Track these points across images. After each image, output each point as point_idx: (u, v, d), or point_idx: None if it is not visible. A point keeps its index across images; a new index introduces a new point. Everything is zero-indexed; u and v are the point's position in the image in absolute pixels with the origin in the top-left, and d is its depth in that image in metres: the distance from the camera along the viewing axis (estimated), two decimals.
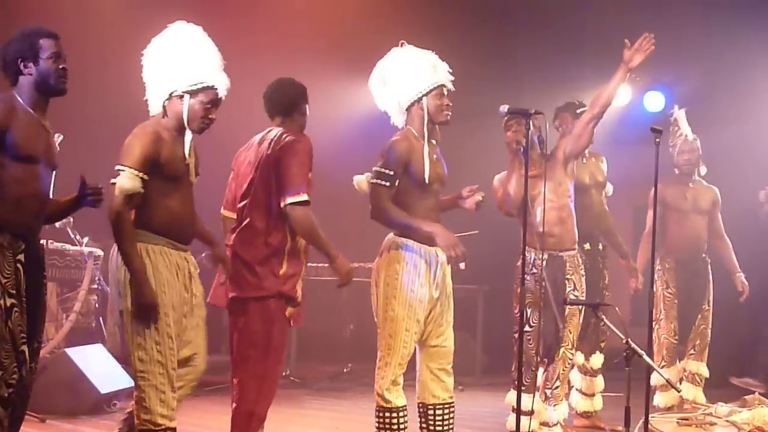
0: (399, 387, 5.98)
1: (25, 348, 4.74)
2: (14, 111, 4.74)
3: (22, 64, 4.79)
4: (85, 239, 9.17)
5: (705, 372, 8.17)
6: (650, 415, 6.26)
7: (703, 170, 8.26)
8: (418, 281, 5.91)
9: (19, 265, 4.73)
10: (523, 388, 6.32)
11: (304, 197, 5.48)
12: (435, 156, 6.01)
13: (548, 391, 6.74)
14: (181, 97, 5.12)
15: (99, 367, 8.01)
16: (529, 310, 6.48)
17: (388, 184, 5.88)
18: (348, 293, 10.43)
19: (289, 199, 5.47)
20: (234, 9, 10.31)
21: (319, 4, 11.24)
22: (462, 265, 5.97)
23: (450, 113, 6.01)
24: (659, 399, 7.94)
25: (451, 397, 6.14)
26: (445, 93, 6.00)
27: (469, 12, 11.24)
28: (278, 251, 5.61)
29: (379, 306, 6.02)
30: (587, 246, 7.66)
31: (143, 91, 5.18)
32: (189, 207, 5.22)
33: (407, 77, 5.98)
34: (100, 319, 9.28)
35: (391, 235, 6.04)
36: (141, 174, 4.94)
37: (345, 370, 10.39)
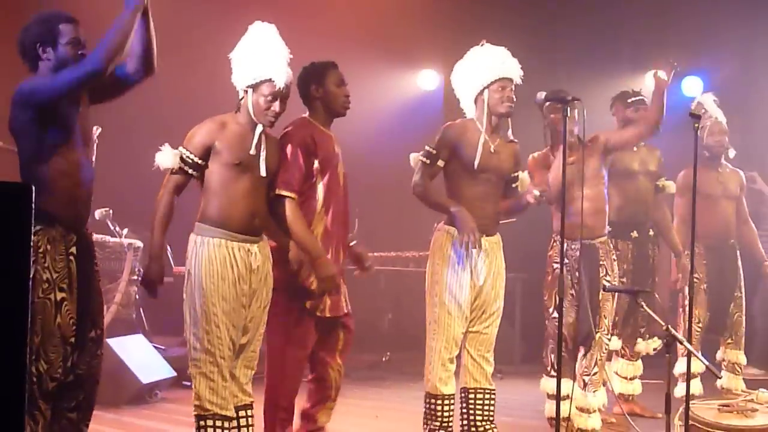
0: (448, 375, 6.11)
1: (73, 341, 4.76)
2: None
3: (40, 48, 4.75)
4: (125, 231, 9.23)
5: (743, 360, 8.10)
6: (690, 402, 6.24)
7: (732, 153, 8.15)
8: (459, 267, 6.08)
9: (71, 257, 4.76)
10: (555, 373, 6.39)
11: (291, 193, 5.56)
12: (493, 147, 6.15)
13: (586, 378, 6.75)
14: (247, 92, 5.34)
15: (140, 357, 8.08)
16: (563, 300, 6.53)
17: (428, 161, 6.16)
18: (386, 282, 10.47)
19: (278, 191, 5.57)
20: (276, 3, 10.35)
21: None
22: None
23: (511, 105, 6.17)
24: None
25: (491, 385, 6.22)
26: (509, 87, 6.16)
27: (506, 2, 11.22)
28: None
29: (427, 292, 6.26)
30: (635, 234, 7.63)
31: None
32: (255, 199, 5.34)
33: (474, 71, 6.20)
34: (141, 309, 9.34)
35: (440, 222, 6.25)
36: (191, 155, 5.21)
37: (384, 359, 10.40)
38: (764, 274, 8.33)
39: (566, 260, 6.59)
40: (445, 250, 6.19)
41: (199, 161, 5.25)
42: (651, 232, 7.79)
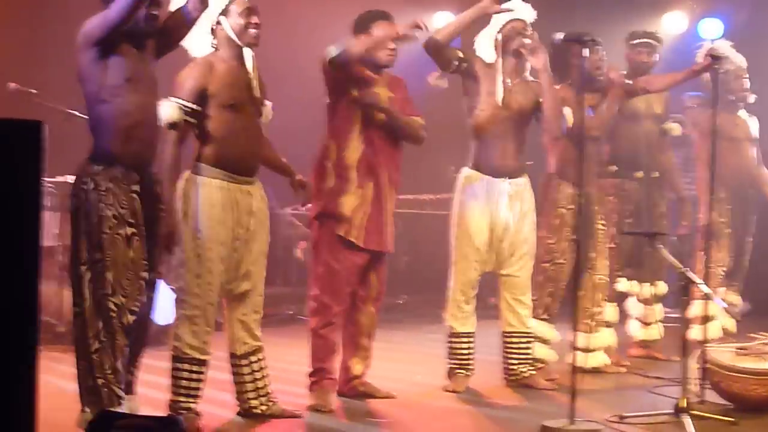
0: (464, 314, 6.18)
1: (146, 275, 4.84)
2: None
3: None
4: None
5: (739, 301, 8.14)
6: (708, 346, 6.23)
7: (753, 98, 8.08)
8: (477, 210, 6.12)
9: (135, 195, 4.79)
10: (547, 317, 6.46)
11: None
12: (510, 83, 6.26)
13: (588, 321, 6.75)
14: (219, 23, 5.22)
15: (158, 299, 8.08)
16: (564, 243, 6.53)
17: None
18: (403, 225, 10.44)
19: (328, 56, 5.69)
20: None
21: None
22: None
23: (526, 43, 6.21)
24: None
25: (527, 328, 6.26)
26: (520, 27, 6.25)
27: None
28: (323, 166, 5.84)
29: (451, 235, 6.33)
30: (639, 174, 7.56)
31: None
32: (252, 137, 5.29)
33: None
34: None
35: (464, 167, 6.32)
36: (188, 104, 5.11)
37: (400, 302, 10.42)
38: None
39: (568, 204, 6.57)
40: (464, 194, 6.25)
41: (196, 107, 5.15)
42: (655, 174, 7.66)
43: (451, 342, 6.34)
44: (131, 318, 4.76)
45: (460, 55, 6.20)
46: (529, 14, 6.25)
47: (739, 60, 7.91)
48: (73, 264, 4.74)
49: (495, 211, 6.21)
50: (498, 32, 6.22)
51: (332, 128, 5.89)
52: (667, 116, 7.74)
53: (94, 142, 4.79)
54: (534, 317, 6.63)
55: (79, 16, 4.81)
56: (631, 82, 7.18)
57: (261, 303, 5.48)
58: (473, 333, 6.34)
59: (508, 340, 6.41)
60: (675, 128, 7.72)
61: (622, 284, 7.53)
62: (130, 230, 4.75)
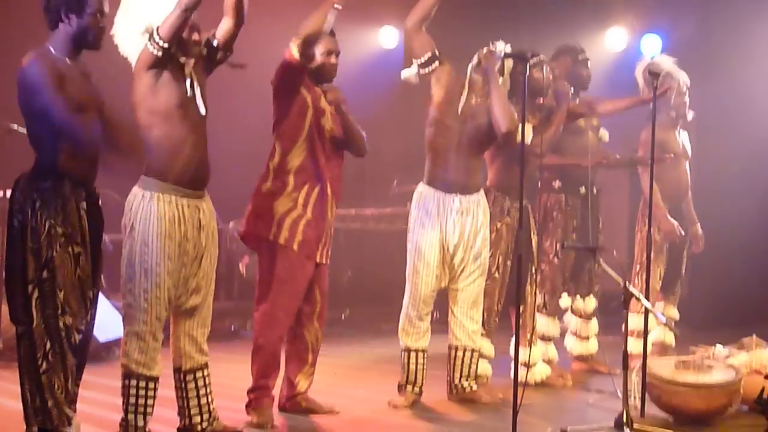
0: (416, 329, 6.20)
1: (91, 293, 4.83)
2: (54, 63, 4.71)
3: (64, 13, 4.76)
4: None
5: (677, 315, 8.24)
6: (648, 359, 6.28)
7: (690, 115, 8.18)
8: (429, 225, 6.14)
9: (82, 212, 4.78)
10: (484, 331, 6.51)
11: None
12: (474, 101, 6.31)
13: (529, 335, 6.79)
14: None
15: (98, 315, 8.00)
16: (499, 257, 6.57)
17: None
18: (345, 240, 10.44)
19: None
20: None
21: None
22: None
23: None
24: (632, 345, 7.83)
25: (473, 344, 6.27)
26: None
27: None
28: (267, 167, 5.97)
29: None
30: (582, 190, 7.61)
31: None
32: (197, 146, 5.25)
33: None
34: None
35: (419, 183, 6.36)
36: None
37: (343, 316, 10.41)
38: (692, 236, 8.36)
39: (508, 218, 6.62)
40: (417, 209, 6.28)
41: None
42: (594, 190, 7.72)
43: (404, 357, 6.33)
44: (78, 337, 4.74)
45: (436, 51, 6.20)
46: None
47: (681, 76, 7.99)
48: (18, 282, 4.67)
49: (445, 227, 6.22)
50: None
51: (279, 132, 5.92)
52: (600, 124, 7.81)
53: (39, 157, 4.75)
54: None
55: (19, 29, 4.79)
56: (579, 103, 7.30)
57: (209, 317, 5.46)
58: (425, 349, 6.33)
59: (453, 353, 6.41)
60: (604, 135, 7.79)
61: (564, 300, 7.58)
62: (77, 248, 4.73)
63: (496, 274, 6.60)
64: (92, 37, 4.82)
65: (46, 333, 4.63)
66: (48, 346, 4.64)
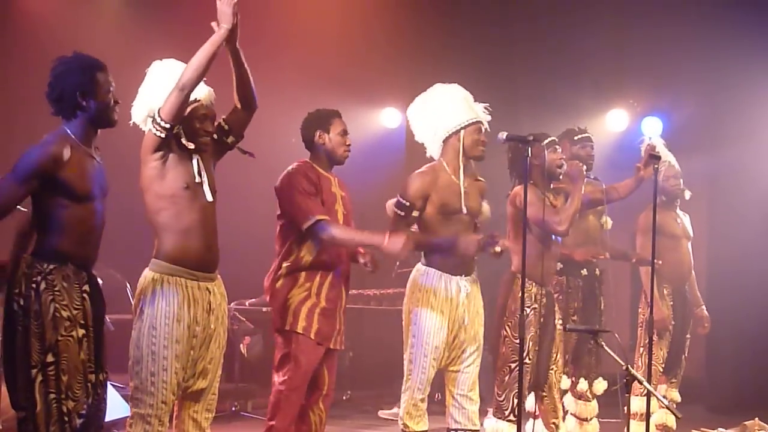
0: (420, 412, 6.14)
1: (92, 377, 4.80)
2: (68, 150, 4.73)
3: (81, 98, 4.79)
4: None
5: (678, 398, 8.19)
6: None
7: (688, 195, 8.22)
8: (438, 308, 6.07)
9: (85, 295, 4.78)
10: (514, 417, 6.41)
11: (312, 219, 5.76)
12: (464, 188, 6.18)
13: (555, 420, 6.74)
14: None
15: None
16: (529, 343, 6.51)
17: (402, 213, 6.13)
18: (347, 321, 10.42)
19: (311, 220, 5.78)
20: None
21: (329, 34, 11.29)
22: (498, 249, 6.05)
23: (484, 149, 6.22)
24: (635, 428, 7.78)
25: (474, 425, 6.22)
26: (482, 130, 6.22)
27: (468, 41, 11.29)
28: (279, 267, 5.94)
29: (404, 332, 6.23)
30: (584, 272, 7.62)
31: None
32: (207, 230, 5.24)
33: (448, 109, 6.21)
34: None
35: (418, 263, 6.24)
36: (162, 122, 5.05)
37: (344, 398, 10.36)
38: (697, 318, 8.37)
39: (535, 305, 6.59)
40: (423, 291, 6.15)
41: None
42: (597, 271, 7.75)
43: None
44: (79, 421, 4.71)
45: (414, 214, 6.17)
46: (484, 116, 6.30)
47: (670, 159, 8.04)
48: (20, 367, 4.64)
49: (453, 309, 6.17)
50: (459, 130, 6.22)
51: (289, 231, 5.92)
52: (605, 210, 7.83)
53: (40, 239, 4.76)
54: (501, 418, 6.58)
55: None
56: (602, 186, 7.35)
57: (215, 402, 5.40)
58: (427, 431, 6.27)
59: None
60: (608, 222, 7.81)
61: (564, 382, 7.55)
62: (81, 332, 4.73)
63: (527, 360, 6.51)
64: (110, 114, 4.86)
65: (48, 418, 4.61)
66: (53, 429, 4.62)
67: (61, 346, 4.64)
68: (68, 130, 4.80)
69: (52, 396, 4.62)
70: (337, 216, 5.95)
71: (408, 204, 6.12)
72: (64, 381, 4.64)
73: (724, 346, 10.08)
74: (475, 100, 6.30)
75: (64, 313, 4.66)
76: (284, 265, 5.91)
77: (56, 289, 4.66)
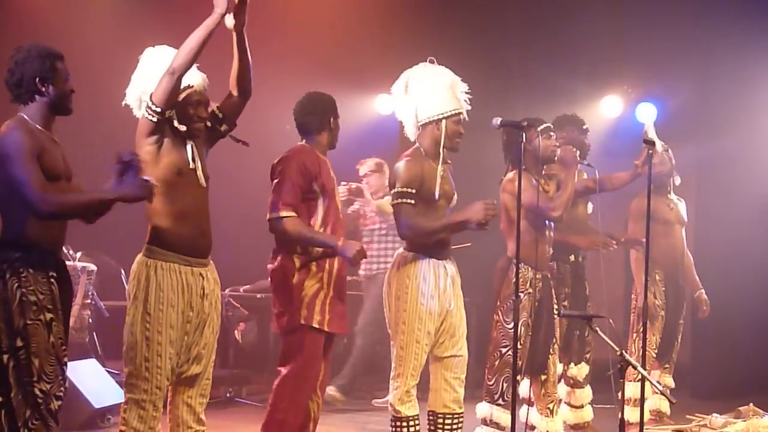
0: (412, 397, 6.10)
1: (66, 360, 4.82)
2: (33, 134, 4.76)
3: (41, 84, 4.82)
4: (78, 254, 9.18)
5: (672, 383, 8.24)
6: (645, 428, 6.26)
7: (677, 181, 8.22)
8: (428, 293, 6.05)
9: (53, 280, 4.79)
10: (503, 402, 6.42)
11: (276, 214, 5.75)
12: (443, 174, 6.13)
13: (551, 405, 6.75)
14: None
15: (93, 381, 8.00)
16: (522, 328, 6.51)
17: (413, 201, 6.01)
18: None
19: (268, 216, 5.77)
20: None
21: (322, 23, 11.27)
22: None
23: (460, 141, 6.14)
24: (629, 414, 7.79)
25: (460, 409, 6.21)
26: (461, 121, 6.14)
27: (462, 27, 11.27)
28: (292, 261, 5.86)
29: (390, 319, 6.14)
30: (572, 258, 7.64)
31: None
32: (200, 216, 5.26)
33: (432, 94, 6.10)
34: (94, 334, 9.26)
35: (401, 249, 6.18)
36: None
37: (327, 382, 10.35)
38: (698, 301, 8.39)
39: (530, 289, 6.59)
40: (413, 277, 6.06)
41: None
42: (581, 258, 7.77)
43: (399, 427, 6.12)
44: (57, 404, 4.73)
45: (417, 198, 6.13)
46: (465, 106, 6.23)
47: (658, 145, 8.03)
48: None
49: (443, 294, 6.14)
50: (441, 119, 6.17)
51: None
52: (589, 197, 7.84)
53: (5, 225, 4.78)
54: (490, 402, 6.60)
55: None
56: (596, 174, 7.36)
57: (209, 387, 5.42)
58: (418, 415, 6.24)
59: (441, 421, 6.25)
60: (589, 206, 7.83)
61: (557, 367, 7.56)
62: (49, 316, 4.73)
63: (519, 345, 6.50)
64: (68, 102, 4.91)
65: (23, 402, 4.64)
66: (27, 414, 4.64)
67: (30, 330, 4.66)
68: (25, 116, 4.83)
69: (26, 380, 4.65)
70: (337, 200, 5.97)
71: (414, 191, 6.01)
72: (36, 365, 4.66)
73: (709, 332, 10.08)
74: (469, 87, 6.24)
75: (31, 298, 4.67)
76: (295, 258, 5.84)
77: (23, 275, 4.68)
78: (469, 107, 6.17)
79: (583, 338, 7.60)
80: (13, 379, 4.64)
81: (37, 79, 4.81)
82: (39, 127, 4.82)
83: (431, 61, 6.18)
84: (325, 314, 5.83)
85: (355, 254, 5.72)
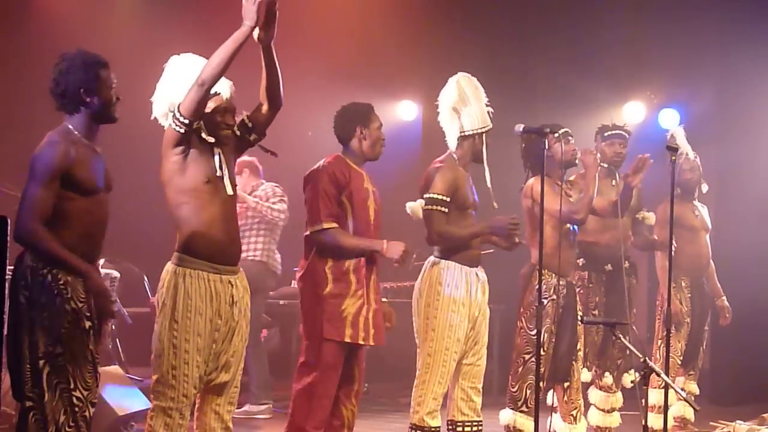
0: (438, 407, 6.09)
1: (98, 369, 4.87)
2: (74, 147, 4.78)
3: (85, 95, 4.84)
4: (102, 261, 9.17)
5: (696, 390, 8.19)
6: None
7: (705, 188, 8.19)
8: (459, 301, 6.06)
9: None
10: (526, 409, 6.40)
11: (319, 226, 5.78)
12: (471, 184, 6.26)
13: (575, 412, 6.73)
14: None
15: (116, 389, 7.99)
16: (545, 335, 6.48)
17: (446, 209, 6.12)
18: None
19: (309, 230, 5.81)
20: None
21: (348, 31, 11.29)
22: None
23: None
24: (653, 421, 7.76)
25: (479, 417, 6.20)
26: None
27: (484, 34, 11.26)
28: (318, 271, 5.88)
29: (420, 326, 6.17)
30: (609, 267, 7.60)
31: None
32: (229, 224, 5.26)
33: (477, 107, 6.23)
34: (117, 340, 9.29)
35: (431, 257, 6.23)
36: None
37: (363, 391, 10.34)
38: (718, 308, 8.35)
39: (554, 296, 6.57)
40: (445, 285, 6.12)
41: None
42: (626, 264, 7.73)
43: None
44: (92, 410, 4.77)
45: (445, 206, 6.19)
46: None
47: (688, 151, 8.01)
48: (26, 359, 4.66)
49: (474, 302, 6.16)
50: (475, 134, 6.22)
51: None
52: (640, 205, 7.79)
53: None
54: (514, 409, 6.56)
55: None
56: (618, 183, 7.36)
57: (237, 395, 5.41)
58: (440, 428, 6.23)
59: (460, 429, 6.26)
60: (649, 217, 7.79)
61: (584, 374, 7.54)
62: (87, 323, 4.76)
63: (542, 351, 6.48)
64: (112, 111, 4.92)
65: (58, 407, 4.65)
66: (61, 420, 4.65)
67: (68, 336, 4.68)
68: (70, 126, 4.85)
69: (62, 386, 4.67)
70: (369, 212, 5.94)
71: (448, 199, 6.12)
72: (71, 371, 4.68)
73: (728, 338, 10.02)
74: (490, 94, 6.30)
75: (69, 306, 4.70)
76: (327, 270, 5.85)
77: (61, 282, 4.70)
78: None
79: (620, 346, 7.54)
80: (47, 384, 4.65)
81: (81, 90, 4.82)
82: (82, 138, 4.85)
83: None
84: (369, 330, 5.85)
85: (401, 254, 5.76)
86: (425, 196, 6.16)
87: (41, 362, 4.66)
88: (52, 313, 4.66)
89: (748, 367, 10.25)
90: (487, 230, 6.14)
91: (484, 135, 6.23)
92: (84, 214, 4.80)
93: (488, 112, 6.27)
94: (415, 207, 6.24)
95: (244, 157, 9.17)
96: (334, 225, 5.77)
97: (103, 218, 4.92)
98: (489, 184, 6.21)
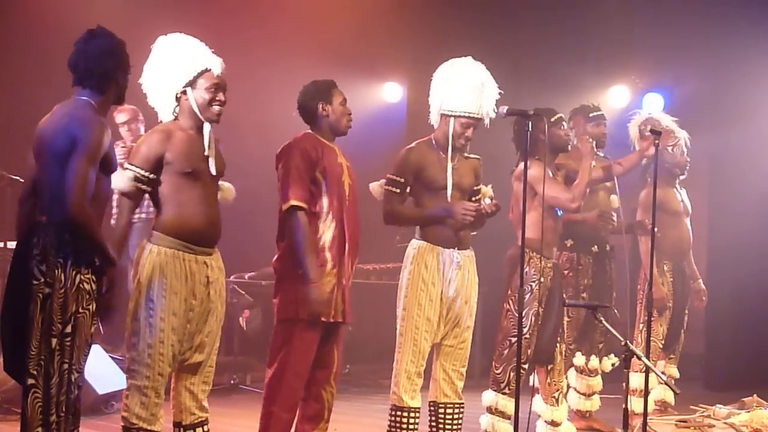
0: (415, 387, 6.10)
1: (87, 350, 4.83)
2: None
3: (120, 75, 4.86)
4: None
5: (677, 374, 8.23)
6: (649, 418, 6.25)
7: (684, 174, 8.21)
8: (429, 280, 6.06)
9: (97, 270, 4.78)
10: (509, 391, 6.40)
11: (288, 203, 5.69)
12: (453, 165, 6.20)
13: (557, 394, 6.74)
14: (185, 93, 5.21)
15: (96, 367, 7.97)
16: (532, 317, 6.49)
17: (397, 190, 6.17)
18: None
19: (290, 202, 5.69)
20: (243, 14, 10.32)
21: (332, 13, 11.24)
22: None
23: (465, 144, 6.24)
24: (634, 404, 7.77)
25: (460, 399, 6.21)
26: (472, 128, 6.20)
27: (470, 16, 11.24)
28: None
29: (398, 306, 6.21)
30: (595, 248, 7.63)
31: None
32: (209, 206, 5.25)
33: (456, 90, 6.16)
34: (98, 320, 9.25)
35: (412, 238, 6.25)
36: (142, 171, 5.10)
37: (344, 371, 10.36)
38: (695, 290, 8.37)
39: (542, 278, 6.57)
40: (415, 264, 6.16)
41: (151, 176, 5.12)
42: (608, 247, 7.77)
43: (398, 417, 6.15)
44: (76, 393, 4.73)
45: (407, 189, 6.22)
46: (484, 112, 6.23)
47: (682, 134, 8.02)
48: (36, 336, 4.60)
49: (445, 281, 6.16)
50: (450, 117, 6.18)
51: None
52: (615, 188, 7.79)
53: (57, 210, 4.70)
54: (497, 391, 6.57)
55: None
56: (609, 163, 7.36)
57: (212, 374, 5.41)
58: (419, 408, 6.22)
59: (442, 411, 6.26)
60: (614, 200, 7.80)
61: (578, 358, 7.57)
62: (93, 306, 4.74)
63: (528, 334, 6.49)
64: (124, 92, 4.95)
65: (60, 388, 4.63)
66: (62, 399, 4.64)
67: (80, 318, 4.66)
68: (93, 103, 4.80)
69: (66, 367, 4.65)
70: (344, 187, 5.87)
71: (401, 179, 6.15)
72: (75, 354, 4.66)
73: (724, 323, 10.07)
74: None
75: (87, 286, 4.67)
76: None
77: (83, 262, 4.66)
78: (493, 115, 6.18)
79: (602, 329, 7.56)
80: (57, 363, 4.62)
81: (120, 72, 4.86)
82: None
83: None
84: (338, 307, 5.81)
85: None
86: (386, 175, 6.21)
87: (54, 341, 4.61)
88: (70, 292, 4.62)
89: (742, 351, 10.29)
90: (442, 213, 6.12)
91: (453, 119, 6.16)
92: (104, 197, 4.83)
93: (491, 105, 6.18)
94: (374, 186, 6.25)
95: (129, 107, 8.93)
96: (303, 204, 5.68)
97: (110, 196, 5.01)
98: (449, 166, 6.16)
